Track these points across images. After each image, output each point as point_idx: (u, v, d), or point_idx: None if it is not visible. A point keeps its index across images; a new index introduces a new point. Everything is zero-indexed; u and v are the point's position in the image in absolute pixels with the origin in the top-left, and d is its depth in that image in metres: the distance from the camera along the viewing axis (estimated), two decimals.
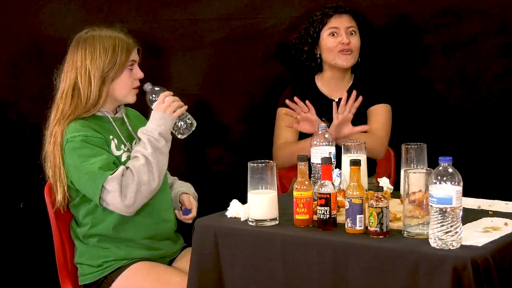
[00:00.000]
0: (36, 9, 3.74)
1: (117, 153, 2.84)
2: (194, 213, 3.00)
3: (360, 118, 3.36)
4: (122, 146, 2.88)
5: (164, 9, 3.69)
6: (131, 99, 2.94)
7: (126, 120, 2.97)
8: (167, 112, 2.84)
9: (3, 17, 3.77)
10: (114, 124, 2.91)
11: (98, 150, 2.77)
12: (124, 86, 2.89)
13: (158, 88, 2.91)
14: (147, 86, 2.91)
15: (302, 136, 3.38)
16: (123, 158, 2.85)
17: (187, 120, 2.90)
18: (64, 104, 2.84)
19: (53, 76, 2.93)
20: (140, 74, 2.93)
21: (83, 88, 2.83)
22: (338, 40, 3.33)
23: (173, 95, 2.89)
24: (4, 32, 3.78)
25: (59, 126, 2.82)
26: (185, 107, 2.89)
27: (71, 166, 2.79)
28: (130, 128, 2.96)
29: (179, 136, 2.91)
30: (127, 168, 2.77)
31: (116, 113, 2.97)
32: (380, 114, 3.38)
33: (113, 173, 2.74)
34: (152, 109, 2.89)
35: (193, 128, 2.92)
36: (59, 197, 2.84)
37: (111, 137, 2.86)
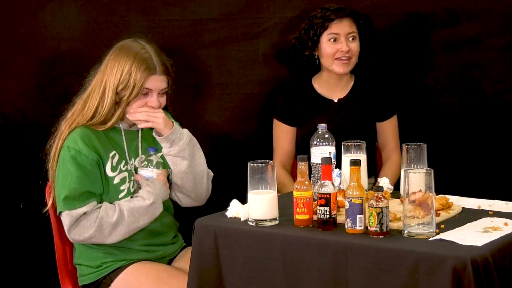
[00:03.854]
0: (36, 9, 3.74)
1: (111, 174, 2.81)
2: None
3: (369, 129, 3.37)
4: (122, 164, 2.85)
5: (164, 9, 3.69)
6: (139, 126, 2.85)
7: (140, 134, 2.90)
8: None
9: (3, 17, 3.77)
10: (124, 138, 2.87)
11: (79, 174, 2.73)
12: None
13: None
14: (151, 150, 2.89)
15: (300, 145, 3.38)
16: (116, 181, 2.82)
17: None
18: (78, 105, 2.82)
19: (86, 78, 2.88)
20: (155, 104, 2.80)
21: (93, 99, 2.79)
22: (337, 47, 3.31)
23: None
24: (4, 32, 3.77)
25: (66, 128, 2.80)
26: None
27: (56, 172, 2.80)
28: (140, 144, 2.90)
29: None
30: (97, 208, 2.75)
31: (132, 125, 2.90)
32: (392, 127, 3.41)
33: (73, 209, 2.73)
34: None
35: None
36: (50, 199, 2.85)
37: (111, 154, 2.82)
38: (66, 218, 2.75)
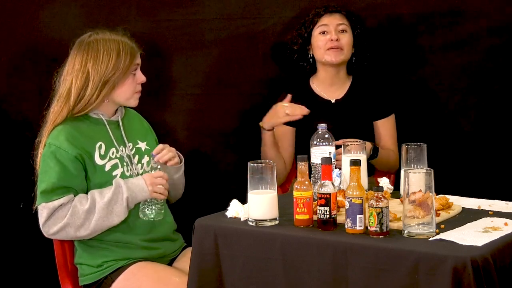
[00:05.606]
0: (36, 9, 3.74)
1: (100, 162, 2.83)
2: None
3: (366, 128, 3.37)
4: (112, 151, 2.87)
5: (164, 9, 3.69)
6: (133, 103, 2.94)
7: (121, 123, 2.96)
8: (149, 187, 2.81)
9: (3, 17, 3.77)
10: (108, 127, 2.90)
11: (58, 169, 2.76)
12: (127, 91, 2.89)
13: (156, 163, 2.88)
14: (155, 162, 2.88)
15: (298, 146, 3.38)
16: (107, 168, 2.84)
17: (157, 210, 2.86)
18: (58, 106, 2.85)
19: (53, 78, 2.93)
20: (143, 79, 2.92)
21: (77, 89, 2.82)
22: (327, 38, 3.35)
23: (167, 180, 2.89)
24: (4, 33, 3.77)
25: (47, 128, 2.84)
26: (163, 197, 2.87)
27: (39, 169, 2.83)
28: (123, 133, 2.94)
29: (141, 215, 2.86)
30: (72, 200, 2.77)
31: (114, 115, 2.96)
32: (389, 126, 3.42)
33: (49, 201, 2.75)
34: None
35: (147, 219, 2.86)
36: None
37: (98, 145, 2.84)
38: (43, 210, 2.76)
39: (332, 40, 3.33)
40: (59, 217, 2.76)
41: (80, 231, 2.78)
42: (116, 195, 2.78)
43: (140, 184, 2.81)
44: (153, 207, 2.86)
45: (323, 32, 3.37)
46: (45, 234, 2.83)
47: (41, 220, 2.79)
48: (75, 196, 2.79)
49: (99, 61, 2.82)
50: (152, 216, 2.85)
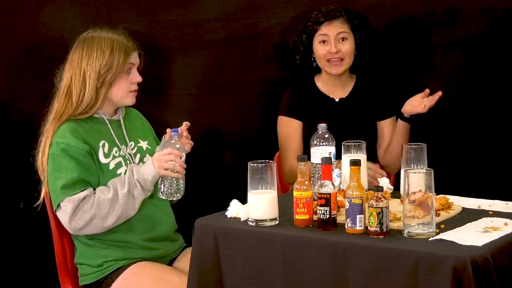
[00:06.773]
0: (36, 9, 3.74)
1: (105, 160, 2.84)
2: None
3: (370, 129, 3.37)
4: (114, 150, 2.87)
5: (164, 9, 3.69)
6: (129, 101, 2.94)
7: (122, 123, 2.96)
8: (156, 165, 2.81)
9: (3, 17, 3.77)
10: (109, 126, 2.91)
11: (73, 164, 2.76)
12: (121, 90, 2.89)
13: (173, 141, 2.85)
14: (174, 133, 2.85)
15: (306, 142, 3.38)
16: (111, 166, 2.85)
17: (173, 187, 2.85)
18: (59, 104, 2.86)
19: (54, 75, 2.94)
20: (138, 78, 2.92)
21: (76, 88, 2.83)
22: (327, 49, 3.33)
23: (181, 158, 2.83)
24: (4, 32, 3.78)
25: (51, 126, 2.84)
26: (179, 175, 2.83)
27: (48, 169, 2.81)
28: (125, 131, 2.95)
29: (158, 194, 2.86)
30: (94, 193, 2.77)
31: (115, 114, 2.97)
32: (389, 127, 3.41)
33: (73, 194, 2.75)
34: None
35: (173, 198, 2.88)
36: (41, 194, 2.87)
37: (101, 143, 2.85)
38: (68, 205, 2.75)
39: (331, 52, 3.31)
40: (85, 211, 2.75)
41: (107, 221, 2.78)
42: (131, 180, 2.80)
43: (148, 164, 2.82)
44: (168, 185, 2.85)
45: (323, 42, 3.35)
46: (72, 231, 2.81)
47: (66, 216, 2.76)
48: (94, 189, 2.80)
49: (92, 58, 2.84)
50: (170, 192, 2.85)
